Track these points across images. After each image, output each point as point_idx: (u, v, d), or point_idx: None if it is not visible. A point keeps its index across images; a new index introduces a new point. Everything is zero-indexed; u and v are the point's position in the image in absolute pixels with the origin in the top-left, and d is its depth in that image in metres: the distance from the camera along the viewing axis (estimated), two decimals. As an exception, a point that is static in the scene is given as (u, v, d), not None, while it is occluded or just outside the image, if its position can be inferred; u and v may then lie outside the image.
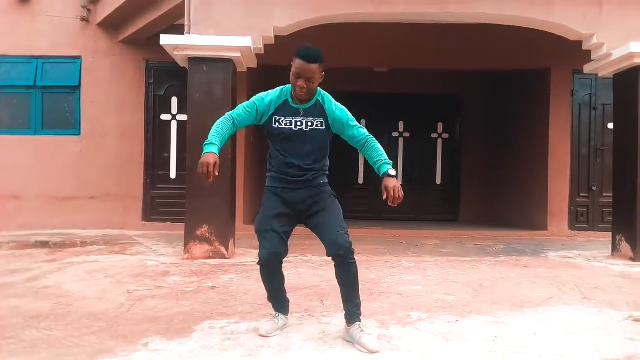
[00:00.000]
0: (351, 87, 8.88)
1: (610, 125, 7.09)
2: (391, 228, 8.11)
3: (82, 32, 7.78)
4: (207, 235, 5.28)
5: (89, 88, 7.82)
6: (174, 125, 7.91)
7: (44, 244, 6.24)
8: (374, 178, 10.22)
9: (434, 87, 9.76)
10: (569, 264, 5.40)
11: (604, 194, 7.82)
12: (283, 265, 2.86)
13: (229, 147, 5.37)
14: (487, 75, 9.39)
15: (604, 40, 5.56)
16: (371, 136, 2.75)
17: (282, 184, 2.75)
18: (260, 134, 8.42)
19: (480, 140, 10.03)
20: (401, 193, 2.57)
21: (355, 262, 2.65)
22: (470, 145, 10.15)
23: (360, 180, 10.37)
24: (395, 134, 10.44)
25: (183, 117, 7.57)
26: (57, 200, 7.70)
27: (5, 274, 4.49)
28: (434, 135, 10.44)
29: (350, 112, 2.79)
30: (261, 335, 2.77)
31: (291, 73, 2.62)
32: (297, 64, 2.59)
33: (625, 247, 5.66)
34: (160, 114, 7.92)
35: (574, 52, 6.36)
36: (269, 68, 7.22)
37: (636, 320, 3.17)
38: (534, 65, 8.05)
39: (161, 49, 5.53)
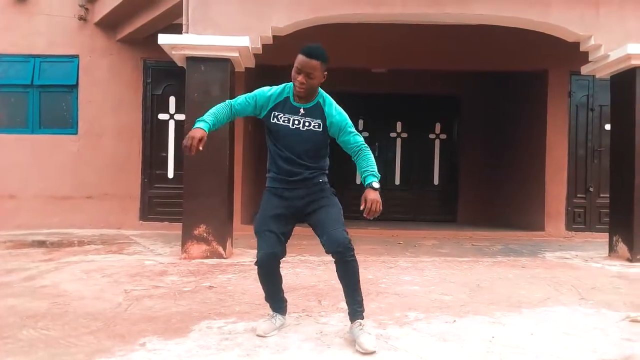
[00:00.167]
0: (349, 88, 8.88)
1: (608, 126, 7.11)
2: (389, 228, 8.11)
3: (79, 31, 7.77)
4: (205, 235, 5.28)
5: (87, 87, 7.80)
6: (171, 125, 7.90)
7: (41, 244, 6.23)
8: (372, 178, 10.26)
9: (431, 88, 9.77)
10: (566, 264, 5.41)
11: (601, 195, 7.85)
12: (281, 265, 2.87)
13: (227, 148, 5.38)
14: (485, 76, 9.40)
15: (601, 41, 5.58)
16: (365, 145, 2.72)
17: (280, 184, 2.75)
18: (259, 127, 8.43)
19: (478, 141, 10.05)
20: (379, 207, 2.56)
21: (355, 259, 2.65)
22: (468, 146, 10.17)
23: (358, 181, 10.35)
24: (393, 135, 10.45)
25: (181, 117, 7.56)
26: (54, 200, 7.69)
27: (2, 274, 4.47)
28: (431, 136, 10.45)
29: (348, 112, 2.79)
30: (258, 335, 2.76)
31: (293, 68, 2.64)
32: (298, 59, 2.60)
33: (622, 247, 5.67)
34: (158, 114, 7.91)
35: (571, 53, 6.38)
36: (267, 68, 7.21)
37: (633, 321, 3.18)
38: (531, 66, 8.07)
39: (159, 48, 5.52)
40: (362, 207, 2.55)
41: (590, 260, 5.70)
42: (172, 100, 7.90)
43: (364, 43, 7.55)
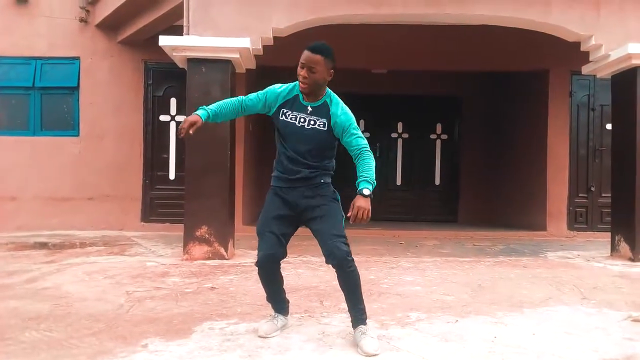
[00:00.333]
0: (349, 89, 8.85)
1: (609, 126, 7.11)
2: (390, 229, 8.11)
3: (80, 33, 7.78)
4: (206, 236, 5.28)
5: (88, 89, 7.81)
6: (172, 126, 7.91)
7: (43, 245, 6.23)
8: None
9: (432, 88, 9.77)
10: (568, 264, 5.41)
11: (603, 195, 7.84)
12: (282, 266, 2.87)
13: (228, 149, 5.38)
14: (486, 76, 9.40)
15: (602, 41, 5.58)
16: (367, 149, 2.66)
17: (283, 183, 2.75)
18: (260, 128, 8.43)
19: (479, 141, 10.04)
20: (367, 215, 2.51)
21: (354, 270, 2.63)
22: (469, 146, 10.16)
23: (359, 180, 10.36)
24: (394, 135, 10.44)
25: (182, 118, 7.57)
26: (55, 201, 7.69)
27: (3, 276, 4.48)
28: (432, 136, 10.45)
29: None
30: (260, 336, 2.77)
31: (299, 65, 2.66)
32: (303, 54, 2.63)
33: (624, 247, 5.67)
34: (159, 115, 7.92)
35: (572, 53, 6.37)
36: (268, 69, 7.22)
37: (635, 320, 3.17)
38: (532, 66, 8.06)
39: (160, 50, 5.53)
40: (349, 214, 2.52)
41: (592, 259, 5.69)
42: (173, 101, 7.91)
43: (364, 44, 7.55)
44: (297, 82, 2.71)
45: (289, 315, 2.98)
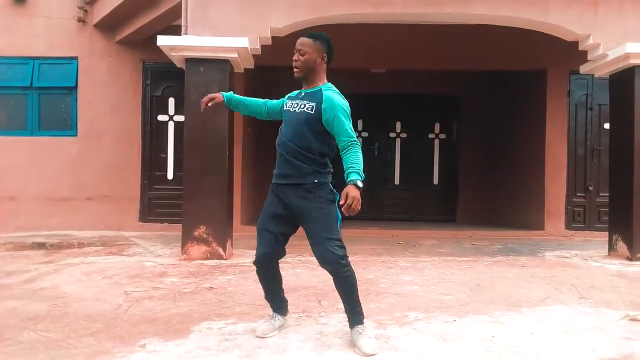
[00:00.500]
0: (348, 88, 8.83)
1: (607, 125, 7.12)
2: (388, 228, 8.11)
3: (78, 32, 7.77)
4: (205, 236, 5.28)
5: (86, 89, 7.80)
6: (170, 126, 7.90)
7: (41, 245, 6.22)
8: (371, 178, 10.25)
9: (431, 88, 9.77)
10: (566, 263, 5.42)
11: (601, 194, 7.85)
12: (281, 265, 2.87)
13: (226, 149, 5.38)
14: (485, 75, 9.40)
15: (600, 40, 5.58)
16: (357, 142, 2.61)
17: (279, 180, 2.75)
18: (258, 128, 8.43)
19: (477, 141, 10.05)
20: (359, 206, 2.47)
21: (349, 274, 2.61)
22: (468, 146, 10.17)
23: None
24: (392, 135, 10.44)
25: (180, 118, 7.56)
26: (53, 202, 7.69)
27: (2, 276, 4.48)
28: (431, 136, 10.45)
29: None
30: (258, 336, 2.77)
31: None
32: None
33: (621, 246, 5.68)
34: (157, 115, 7.91)
35: (570, 52, 6.38)
36: (266, 69, 7.22)
37: (632, 320, 3.18)
38: (530, 65, 8.07)
39: (158, 50, 5.52)
40: (341, 203, 2.49)
41: (590, 259, 5.70)
42: (171, 101, 7.91)
43: (363, 43, 7.55)
44: None
45: (287, 315, 2.98)
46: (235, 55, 5.36)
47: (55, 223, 7.56)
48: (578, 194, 8.06)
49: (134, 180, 7.82)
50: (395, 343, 2.70)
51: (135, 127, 7.85)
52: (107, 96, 7.79)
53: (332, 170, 2.76)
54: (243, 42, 5.29)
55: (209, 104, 2.95)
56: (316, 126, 2.66)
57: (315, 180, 2.66)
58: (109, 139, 7.81)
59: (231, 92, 3.04)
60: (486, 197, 9.88)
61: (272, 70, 7.41)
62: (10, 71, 7.77)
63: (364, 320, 2.70)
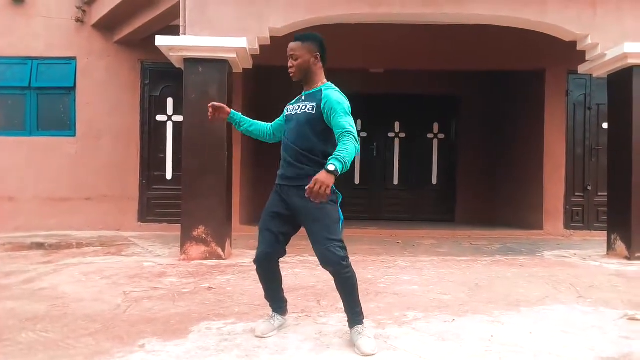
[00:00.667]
0: (347, 88, 8.82)
1: (605, 125, 7.13)
2: (387, 228, 8.12)
3: (77, 33, 7.76)
4: (204, 236, 5.28)
5: (84, 89, 7.80)
6: (169, 126, 7.90)
7: (40, 246, 6.22)
8: (370, 178, 10.27)
9: (429, 88, 9.77)
10: (565, 263, 5.42)
11: (599, 194, 7.86)
12: (280, 265, 2.87)
13: (225, 149, 5.38)
14: (483, 75, 9.41)
15: (598, 40, 5.59)
16: (350, 132, 2.51)
17: (282, 181, 2.76)
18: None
19: (476, 140, 10.05)
20: (322, 190, 2.29)
21: (350, 274, 2.60)
22: (466, 145, 10.17)
23: (357, 181, 10.38)
24: (391, 135, 10.45)
25: (179, 118, 7.56)
26: (52, 202, 7.68)
27: (0, 276, 4.47)
28: (429, 136, 10.45)
29: None
30: (257, 336, 2.77)
31: None
32: None
33: (620, 246, 5.69)
34: (156, 115, 7.91)
35: (568, 52, 6.39)
36: (265, 69, 7.23)
37: (631, 319, 3.19)
38: (529, 65, 8.08)
39: (156, 50, 5.52)
40: (307, 187, 2.35)
41: (589, 258, 5.71)
42: (169, 101, 7.90)
43: (362, 43, 7.56)
44: None
45: (286, 316, 2.98)
46: (233, 55, 5.36)
47: (54, 223, 7.55)
48: (577, 194, 8.07)
49: (132, 181, 7.82)
50: (394, 343, 2.71)
51: (133, 127, 7.84)
52: (106, 96, 7.79)
53: None
54: (241, 42, 5.29)
55: (215, 114, 2.95)
56: (318, 125, 2.65)
57: None
58: (107, 139, 7.80)
59: (240, 115, 3.06)
60: (485, 196, 9.89)
61: (270, 70, 7.41)
62: (8, 71, 7.77)
63: (364, 321, 2.70)
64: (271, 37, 5.51)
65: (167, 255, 5.56)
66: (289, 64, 2.74)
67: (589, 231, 7.90)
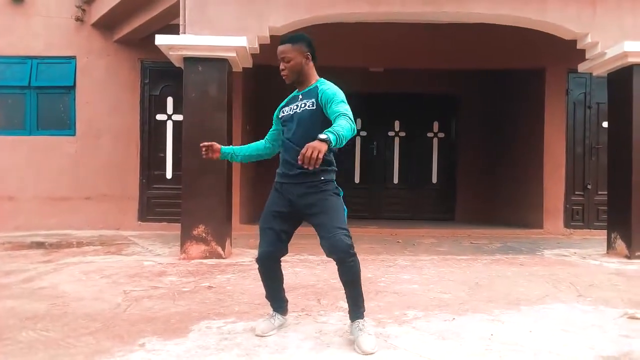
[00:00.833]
0: (347, 87, 8.84)
1: (605, 124, 7.12)
2: (387, 227, 8.12)
3: (76, 32, 7.76)
4: (204, 235, 5.28)
5: (84, 88, 7.80)
6: (169, 125, 7.90)
7: (40, 245, 6.22)
8: (371, 177, 10.27)
9: (429, 87, 9.77)
10: (565, 262, 5.42)
11: (599, 192, 7.86)
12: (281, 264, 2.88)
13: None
14: (483, 74, 9.41)
15: (598, 39, 5.59)
16: (345, 115, 2.47)
17: (283, 179, 2.75)
18: (257, 127, 8.43)
19: (476, 139, 10.06)
20: (314, 154, 2.19)
21: (355, 263, 2.61)
22: (466, 144, 10.18)
23: (357, 180, 10.39)
24: (391, 133, 10.45)
25: (178, 117, 7.57)
26: (52, 201, 7.68)
27: (0, 275, 4.47)
28: (429, 135, 10.46)
29: None
30: (257, 335, 2.77)
31: None
32: None
33: (620, 244, 5.69)
34: (156, 114, 7.91)
35: (568, 51, 6.39)
36: (265, 68, 7.21)
37: (631, 318, 3.19)
38: (529, 64, 8.08)
39: (156, 49, 5.52)
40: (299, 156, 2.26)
41: (589, 257, 5.71)
42: (169, 100, 7.90)
43: (362, 42, 7.55)
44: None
45: (287, 315, 2.98)
46: (233, 54, 5.36)
47: (54, 222, 7.56)
48: (577, 193, 8.08)
49: (132, 180, 7.82)
50: (394, 341, 2.71)
51: (133, 127, 7.85)
52: (106, 95, 7.79)
53: (336, 169, 2.77)
54: (241, 41, 5.29)
55: (206, 152, 2.91)
56: (320, 120, 2.65)
57: (322, 178, 2.68)
58: (107, 138, 7.80)
59: (231, 147, 3.01)
60: (485, 195, 9.90)
61: (270, 69, 7.39)
62: (8, 70, 7.77)
63: (365, 316, 2.70)
64: (271, 36, 5.51)
65: (167, 254, 5.56)
66: (281, 67, 2.73)
67: (589, 230, 7.91)
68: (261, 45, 5.56)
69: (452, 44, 7.64)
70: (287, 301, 2.99)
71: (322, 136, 2.28)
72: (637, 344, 2.72)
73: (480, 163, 10.02)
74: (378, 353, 2.52)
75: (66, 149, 7.76)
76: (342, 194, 2.73)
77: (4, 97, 7.82)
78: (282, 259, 2.86)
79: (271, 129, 2.97)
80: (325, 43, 6.95)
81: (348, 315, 2.74)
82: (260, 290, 2.93)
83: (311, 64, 2.77)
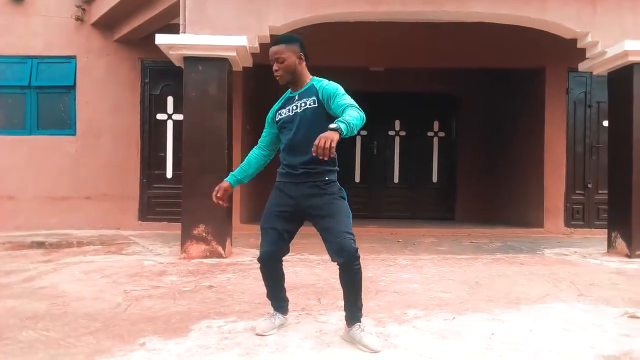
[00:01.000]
0: (347, 86, 8.82)
1: (605, 123, 7.12)
2: (388, 226, 8.12)
3: (76, 31, 7.76)
4: (204, 234, 5.28)
5: (84, 88, 7.80)
6: (169, 125, 7.90)
7: (40, 245, 6.22)
8: (371, 177, 10.27)
9: (429, 86, 9.77)
10: (565, 261, 5.42)
11: (600, 191, 7.86)
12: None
13: (225, 148, 5.38)
14: (484, 73, 9.41)
15: (598, 38, 5.58)
16: (353, 105, 2.49)
17: (287, 179, 2.74)
18: (257, 127, 8.43)
19: (476, 139, 10.06)
20: (327, 144, 2.21)
21: (360, 267, 2.60)
22: (467, 144, 10.18)
23: (357, 179, 10.39)
24: (391, 133, 10.45)
25: (179, 117, 7.56)
26: (52, 201, 7.68)
27: (1, 275, 4.47)
28: (430, 134, 10.46)
29: None
30: (257, 334, 2.77)
31: None
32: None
33: (620, 244, 5.69)
34: (156, 114, 7.91)
35: (569, 50, 6.39)
36: (265, 67, 7.18)
37: (631, 317, 3.19)
38: (529, 63, 8.07)
39: (156, 48, 5.52)
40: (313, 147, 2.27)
41: (589, 256, 5.71)
42: (170, 100, 7.90)
43: (362, 41, 7.55)
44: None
45: (287, 315, 2.98)
46: (233, 53, 5.36)
47: (54, 222, 7.56)
48: (577, 192, 8.07)
49: (133, 179, 7.82)
50: (394, 341, 2.71)
51: (133, 126, 7.84)
52: (106, 95, 7.79)
53: (338, 169, 2.78)
54: (241, 40, 5.29)
55: (220, 199, 2.82)
56: (323, 117, 2.65)
57: (326, 178, 2.69)
58: (107, 138, 7.80)
59: (231, 174, 2.92)
60: (485, 194, 9.90)
61: (270, 68, 7.39)
62: (8, 70, 7.77)
63: (362, 319, 2.70)
64: (271, 36, 5.50)
65: (168, 254, 5.56)
66: (275, 68, 2.72)
67: (590, 229, 7.91)
68: (261, 45, 5.55)
69: (453, 43, 7.63)
70: (287, 300, 2.99)
71: (332, 126, 2.30)
72: (637, 343, 2.72)
73: (480, 162, 10.02)
74: (378, 352, 2.52)
75: (66, 148, 7.76)
76: (346, 196, 2.73)
77: (4, 97, 7.81)
78: (282, 258, 2.86)
79: (265, 134, 2.94)
80: (325, 42, 7.02)
81: (345, 320, 2.72)
82: (261, 289, 2.93)
83: (304, 64, 2.77)
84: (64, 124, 7.85)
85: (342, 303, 2.74)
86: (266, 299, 2.97)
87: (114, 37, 7.74)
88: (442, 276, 4.50)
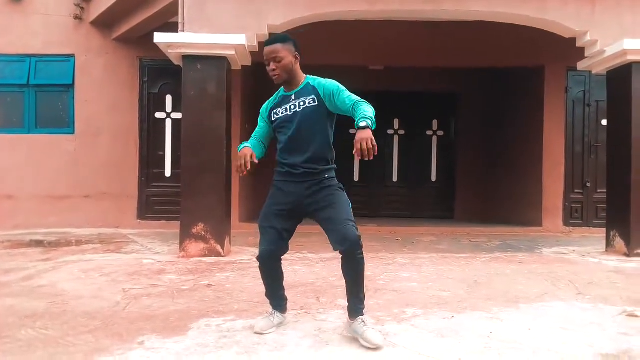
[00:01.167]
0: (346, 85, 8.85)
1: (604, 122, 7.12)
2: (387, 225, 8.13)
3: (75, 30, 7.75)
4: (203, 233, 5.28)
5: (83, 86, 7.79)
6: (168, 124, 7.90)
7: (39, 243, 6.22)
8: (370, 176, 10.27)
9: (429, 85, 9.77)
10: (564, 259, 5.43)
11: (598, 190, 7.87)
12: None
13: (224, 147, 5.38)
14: (482, 72, 9.40)
15: (597, 37, 5.59)
16: (361, 100, 2.56)
17: (285, 177, 2.75)
18: (255, 123, 8.44)
19: (475, 138, 10.06)
20: (370, 144, 2.31)
21: (362, 257, 2.62)
22: (466, 142, 10.18)
23: (356, 178, 10.38)
24: (390, 132, 10.46)
25: (177, 115, 7.56)
26: (51, 200, 7.68)
27: (0, 274, 4.47)
28: (429, 133, 10.46)
29: None
30: (256, 333, 2.77)
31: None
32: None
33: (619, 242, 5.69)
34: (155, 112, 7.90)
35: (568, 49, 6.39)
36: (264, 66, 7.19)
37: (630, 315, 3.19)
38: (528, 62, 8.08)
39: (155, 47, 5.51)
40: (354, 151, 2.35)
41: (588, 255, 5.71)
42: (168, 98, 7.89)
43: (361, 40, 7.54)
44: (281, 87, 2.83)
45: (286, 314, 2.98)
46: (232, 52, 5.35)
47: (53, 221, 7.55)
48: (576, 191, 8.08)
49: (131, 178, 7.82)
50: (393, 339, 2.71)
51: (132, 125, 7.84)
52: (104, 94, 7.78)
53: (336, 167, 2.78)
54: (240, 39, 5.28)
55: (249, 165, 2.59)
56: (324, 114, 2.69)
57: (326, 176, 2.71)
58: (106, 136, 7.80)
59: (244, 142, 2.76)
60: (484, 193, 9.91)
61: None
62: (7, 69, 7.76)
63: (364, 312, 2.70)
64: (270, 34, 5.50)
65: (167, 253, 5.56)
66: (272, 67, 2.71)
67: (588, 228, 7.92)
68: (260, 44, 5.55)
69: (452, 42, 7.63)
70: (286, 299, 2.99)
71: (362, 124, 2.38)
72: (635, 341, 2.73)
73: (479, 161, 10.02)
74: (377, 351, 2.52)
75: (65, 147, 7.76)
76: (343, 189, 2.76)
77: (2, 96, 7.80)
78: (281, 257, 2.86)
79: (259, 127, 2.90)
80: (324, 41, 7.02)
81: (347, 313, 2.73)
82: (260, 288, 2.93)
83: (298, 63, 2.78)
84: (63, 122, 7.84)
85: (341, 302, 2.75)
86: (265, 297, 2.97)
87: (113, 35, 7.73)
88: (441, 275, 4.50)
